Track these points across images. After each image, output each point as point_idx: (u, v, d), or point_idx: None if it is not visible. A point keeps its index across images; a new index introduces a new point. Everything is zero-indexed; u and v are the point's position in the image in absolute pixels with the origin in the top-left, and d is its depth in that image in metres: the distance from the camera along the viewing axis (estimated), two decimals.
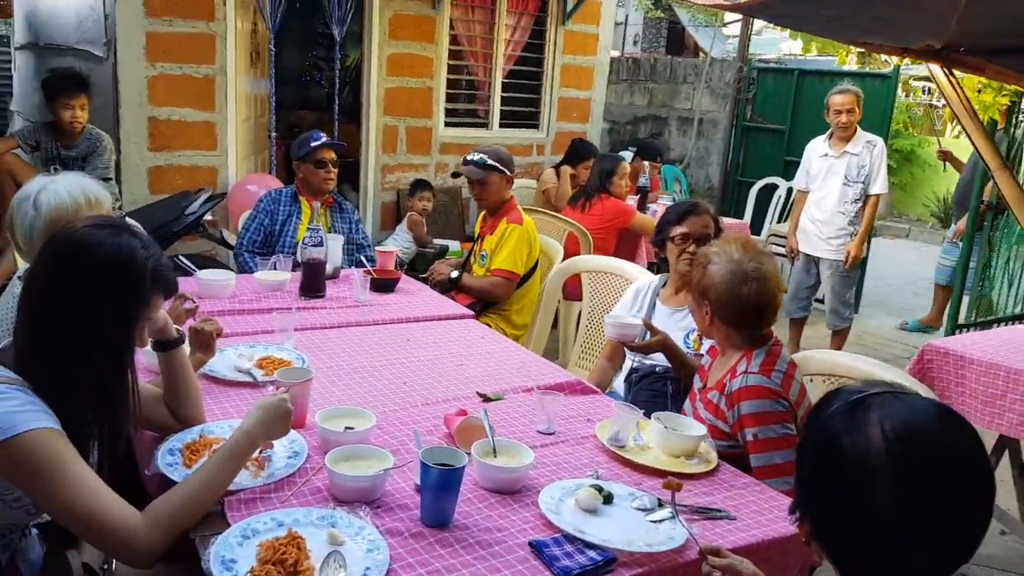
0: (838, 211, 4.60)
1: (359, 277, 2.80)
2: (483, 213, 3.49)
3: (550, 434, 1.83)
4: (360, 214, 4.05)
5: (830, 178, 4.63)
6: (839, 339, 4.87)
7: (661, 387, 2.44)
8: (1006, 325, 4.98)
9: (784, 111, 7.25)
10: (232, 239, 4.05)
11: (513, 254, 3.26)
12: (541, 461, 1.66)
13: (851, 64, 12.47)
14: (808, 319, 4.99)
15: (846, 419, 0.87)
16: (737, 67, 7.52)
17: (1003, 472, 3.03)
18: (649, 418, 1.84)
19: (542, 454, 1.70)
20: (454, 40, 5.66)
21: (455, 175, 3.81)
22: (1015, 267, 5.27)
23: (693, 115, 7.85)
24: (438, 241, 5.28)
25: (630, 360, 2.55)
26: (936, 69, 2.64)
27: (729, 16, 11.82)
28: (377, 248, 3.12)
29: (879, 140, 4.68)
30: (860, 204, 4.59)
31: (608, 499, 1.53)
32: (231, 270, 3.22)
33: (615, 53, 8.43)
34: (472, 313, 2.83)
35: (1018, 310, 5.30)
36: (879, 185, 4.55)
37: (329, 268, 2.88)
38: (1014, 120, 5.34)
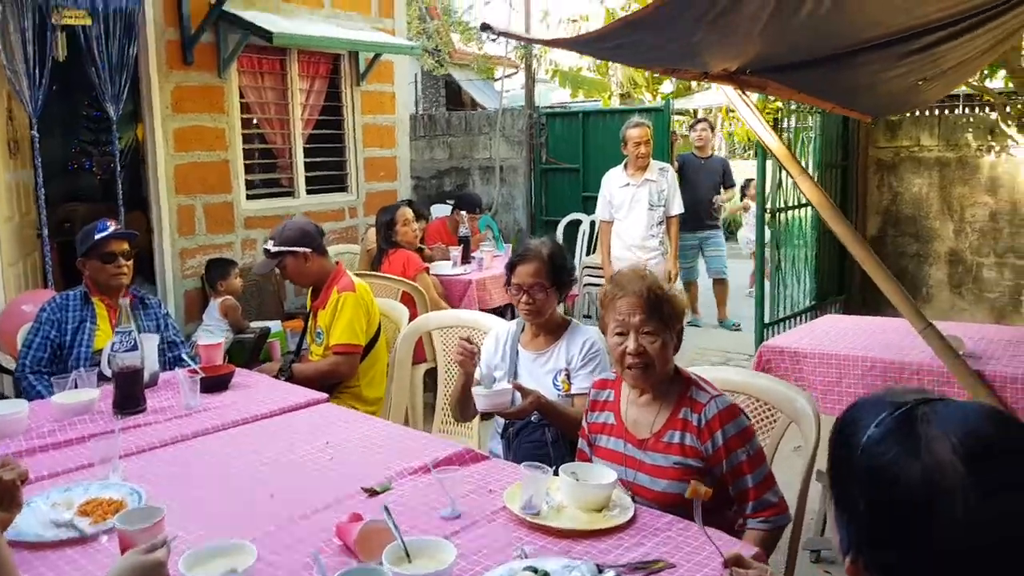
0: (649, 234, 4.92)
1: (185, 379, 2.42)
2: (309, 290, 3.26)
3: (456, 517, 1.65)
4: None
5: (635, 206, 4.94)
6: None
7: (540, 437, 2.39)
8: (805, 317, 5.59)
9: (575, 151, 7.71)
10: (8, 363, 3.40)
11: (351, 325, 3.04)
12: (459, 553, 1.48)
13: (615, 103, 13.66)
14: None
15: (901, 438, 0.78)
16: (527, 115, 7.89)
17: None
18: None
19: (457, 544, 1.51)
20: (246, 108, 5.32)
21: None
22: (799, 265, 5.95)
23: (493, 163, 8.08)
24: (256, 324, 4.84)
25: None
26: (730, 90, 2.87)
27: (499, 71, 12.45)
28: (200, 342, 2.74)
29: (668, 166, 5.14)
30: (663, 226, 4.96)
31: None
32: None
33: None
34: (325, 396, 2.56)
35: (809, 303, 5.96)
36: (677, 206, 5.00)
37: (146, 375, 2.47)
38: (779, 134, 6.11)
